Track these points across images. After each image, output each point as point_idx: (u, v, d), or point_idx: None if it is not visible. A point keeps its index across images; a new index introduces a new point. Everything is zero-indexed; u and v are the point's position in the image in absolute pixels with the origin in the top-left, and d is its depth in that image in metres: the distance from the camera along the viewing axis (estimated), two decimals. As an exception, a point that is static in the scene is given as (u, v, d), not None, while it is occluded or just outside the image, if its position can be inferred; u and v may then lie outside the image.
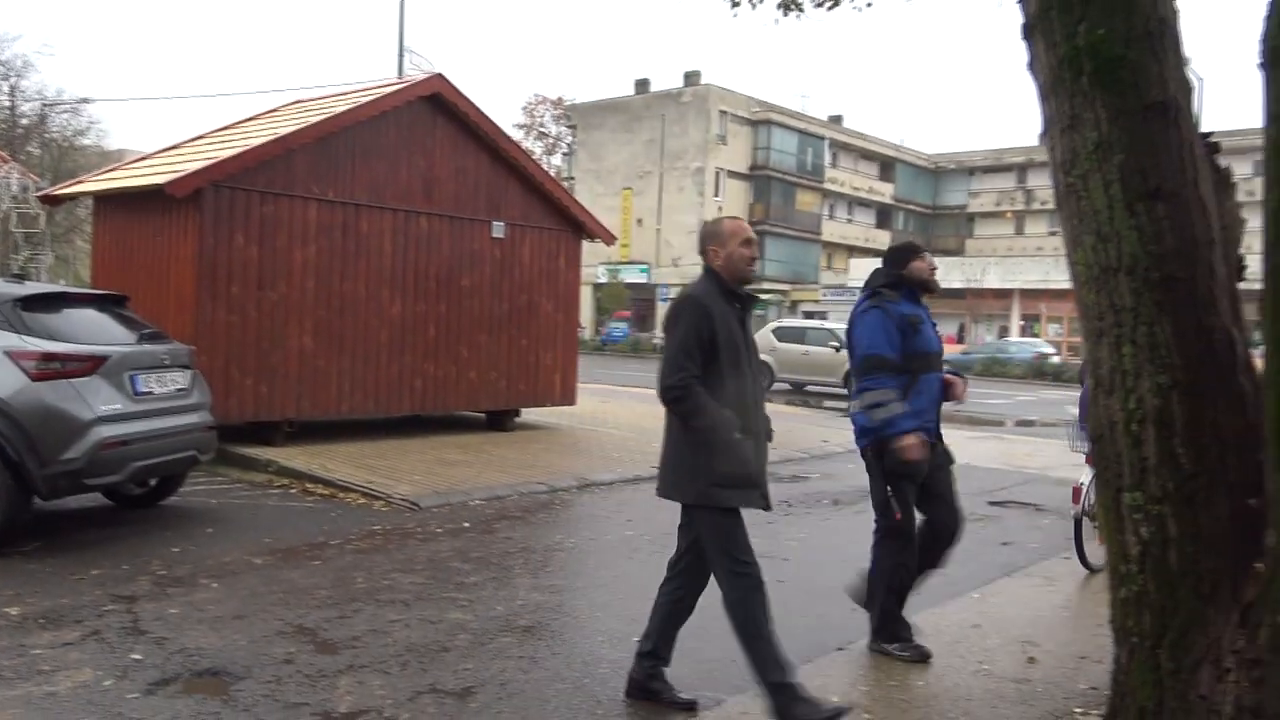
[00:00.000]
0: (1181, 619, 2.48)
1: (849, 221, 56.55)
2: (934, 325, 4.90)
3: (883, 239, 57.04)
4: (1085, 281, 2.71)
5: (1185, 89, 2.69)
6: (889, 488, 4.72)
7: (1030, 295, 43.14)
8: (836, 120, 56.96)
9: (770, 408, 4.50)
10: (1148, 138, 2.63)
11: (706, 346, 3.78)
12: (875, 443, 4.69)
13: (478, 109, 11.63)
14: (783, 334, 22.54)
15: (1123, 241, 2.60)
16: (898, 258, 4.94)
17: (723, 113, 48.88)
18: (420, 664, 4.44)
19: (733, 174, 49.67)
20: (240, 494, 8.15)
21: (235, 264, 9.62)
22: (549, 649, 4.73)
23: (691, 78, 50.11)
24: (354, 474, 8.69)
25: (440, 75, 11.67)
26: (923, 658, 4.69)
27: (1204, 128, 2.81)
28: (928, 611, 5.29)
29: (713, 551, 3.88)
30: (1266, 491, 2.36)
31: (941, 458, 4.86)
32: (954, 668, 4.67)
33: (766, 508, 3.97)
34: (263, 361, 9.83)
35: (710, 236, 4.02)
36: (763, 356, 15.69)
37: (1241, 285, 2.73)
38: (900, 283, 4.83)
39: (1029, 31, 2.89)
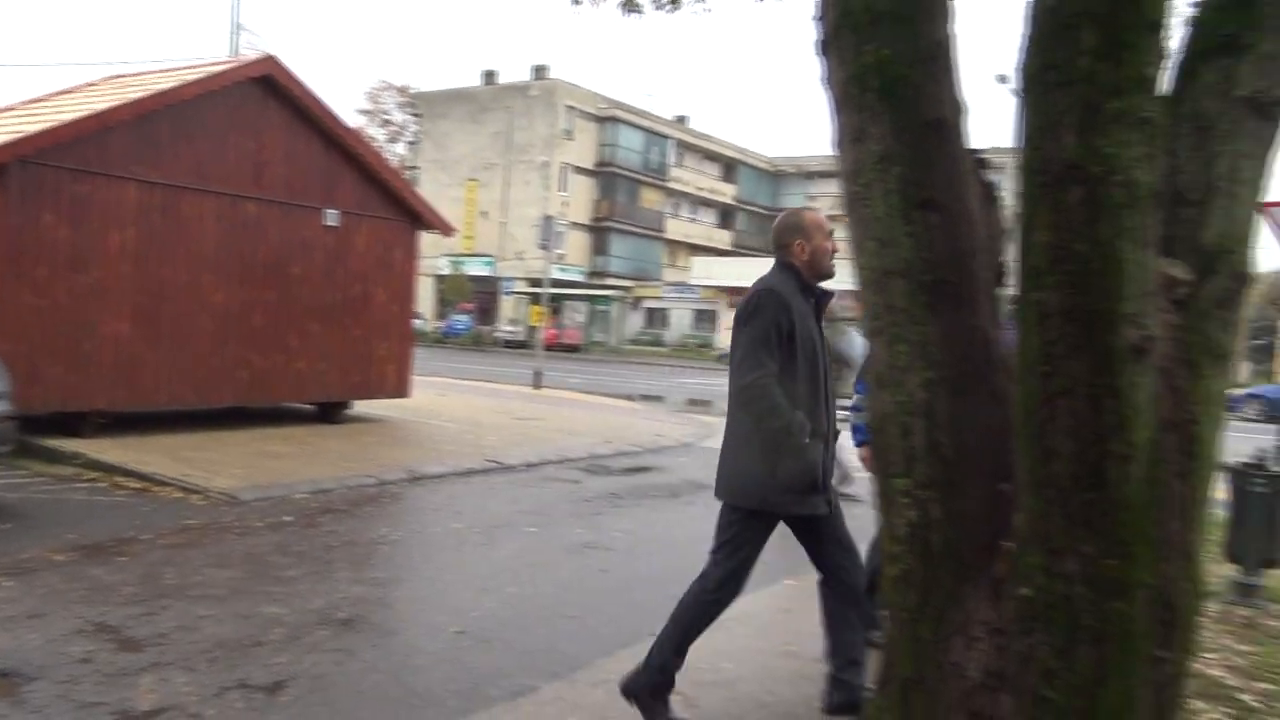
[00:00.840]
0: (941, 594, 2.72)
1: (692, 220, 57.57)
2: None
3: (724, 238, 58.41)
4: (866, 284, 2.92)
5: (957, 108, 2.92)
6: None
7: (862, 296, 44.83)
8: (682, 120, 57.86)
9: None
10: (924, 152, 2.85)
11: (785, 343, 3.60)
12: None
13: (311, 94, 11.35)
14: None
15: (899, 247, 2.81)
16: None
17: (570, 108, 48.93)
18: (230, 659, 4.35)
19: (579, 169, 49.82)
20: (43, 488, 7.72)
21: (43, 245, 9.11)
22: (367, 642, 4.71)
23: (540, 71, 49.97)
24: (170, 467, 8.36)
25: (272, 57, 11.30)
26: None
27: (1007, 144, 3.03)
28: (743, 597, 5.49)
29: (728, 548, 3.78)
30: (1015, 478, 2.61)
31: None
32: (763, 650, 4.91)
33: (829, 512, 3.84)
34: (73, 349, 9.33)
35: (792, 230, 3.79)
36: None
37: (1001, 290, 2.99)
38: None
39: (824, 48, 3.07)
